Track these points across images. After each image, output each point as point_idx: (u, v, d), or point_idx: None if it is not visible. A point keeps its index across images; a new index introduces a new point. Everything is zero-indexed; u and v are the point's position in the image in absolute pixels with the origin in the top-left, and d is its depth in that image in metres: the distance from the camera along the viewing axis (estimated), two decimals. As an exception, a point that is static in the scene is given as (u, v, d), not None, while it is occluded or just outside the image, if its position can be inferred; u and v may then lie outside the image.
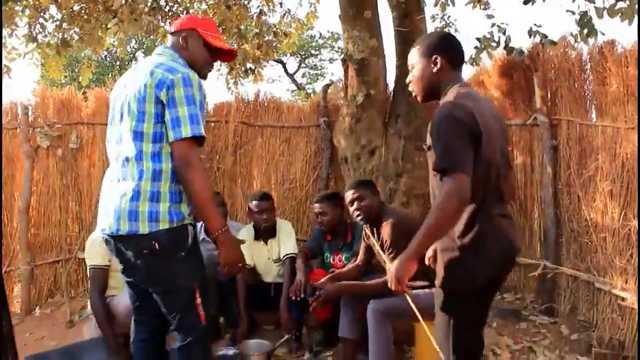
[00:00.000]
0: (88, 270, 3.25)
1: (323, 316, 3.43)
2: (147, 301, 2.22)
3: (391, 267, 1.99)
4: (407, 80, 2.18)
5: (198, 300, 2.12)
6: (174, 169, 2.05)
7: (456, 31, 4.53)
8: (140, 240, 2.05)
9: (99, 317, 3.09)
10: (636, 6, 3.21)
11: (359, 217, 3.08)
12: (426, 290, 2.79)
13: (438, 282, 2.03)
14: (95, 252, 3.22)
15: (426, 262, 2.30)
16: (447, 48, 2.07)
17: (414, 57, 2.11)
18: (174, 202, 2.07)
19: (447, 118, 1.86)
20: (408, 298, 2.11)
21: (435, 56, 2.04)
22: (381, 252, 2.41)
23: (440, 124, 1.87)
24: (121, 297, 3.13)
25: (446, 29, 4.53)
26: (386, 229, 2.89)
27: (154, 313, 2.24)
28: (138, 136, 2.07)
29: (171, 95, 2.01)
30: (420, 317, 2.09)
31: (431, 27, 4.64)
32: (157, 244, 2.04)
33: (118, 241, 2.13)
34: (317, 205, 3.60)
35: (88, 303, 3.37)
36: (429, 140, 1.97)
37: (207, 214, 2.04)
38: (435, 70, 2.04)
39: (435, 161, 1.87)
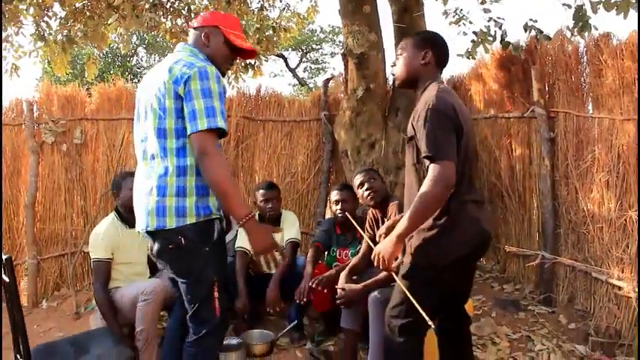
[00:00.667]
0: (91, 263, 3.31)
1: (323, 308, 3.50)
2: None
3: (378, 247, 2.13)
4: (391, 63, 2.33)
5: (216, 294, 2.16)
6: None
7: (470, 22, 4.54)
8: (168, 234, 2.09)
9: (103, 308, 3.15)
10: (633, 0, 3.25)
11: (371, 198, 3.11)
12: None
13: (409, 258, 2.18)
14: (98, 245, 3.29)
15: None
16: (438, 46, 2.24)
17: (407, 45, 2.26)
18: (200, 196, 2.10)
19: (433, 111, 2.03)
20: (396, 277, 2.23)
21: (426, 50, 2.21)
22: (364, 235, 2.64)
23: (426, 117, 2.02)
24: (126, 289, 3.19)
25: (460, 23, 4.54)
26: (392, 209, 2.97)
27: None
28: (161, 132, 2.10)
29: (188, 89, 2.02)
30: (408, 294, 2.17)
31: (444, 23, 4.65)
32: (182, 239, 2.08)
33: (150, 237, 2.20)
34: (338, 192, 3.55)
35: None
36: (410, 131, 2.13)
37: (229, 203, 2.03)
38: (422, 62, 2.21)
39: (424, 149, 2.01)
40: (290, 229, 3.83)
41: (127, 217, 3.27)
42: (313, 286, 3.20)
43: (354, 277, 3.22)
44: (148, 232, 2.17)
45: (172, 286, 2.46)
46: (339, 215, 3.52)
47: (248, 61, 5.75)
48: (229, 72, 5.75)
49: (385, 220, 3.03)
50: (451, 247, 2.10)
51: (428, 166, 2.01)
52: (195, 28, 2.31)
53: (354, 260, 3.29)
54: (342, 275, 3.18)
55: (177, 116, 2.07)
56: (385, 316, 2.32)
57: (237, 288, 3.59)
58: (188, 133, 2.03)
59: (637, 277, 3.33)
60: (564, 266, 3.98)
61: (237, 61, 5.50)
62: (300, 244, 3.77)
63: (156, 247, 2.17)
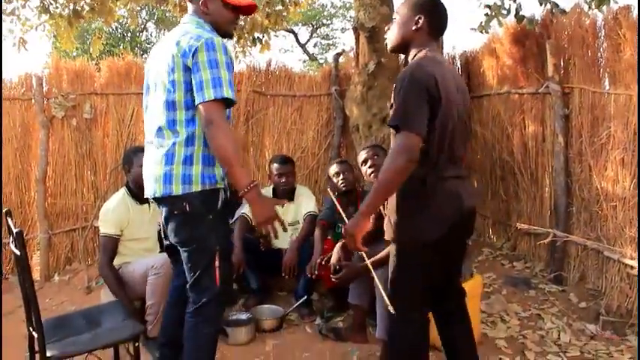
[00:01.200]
0: (99, 237, 3.30)
1: (332, 284, 3.49)
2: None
3: (346, 225, 2.08)
4: (386, 27, 2.25)
5: (217, 263, 2.17)
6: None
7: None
8: (174, 201, 2.14)
9: (109, 283, 3.18)
10: None
11: (373, 176, 3.06)
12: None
13: (389, 236, 2.14)
14: (108, 220, 3.29)
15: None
16: (432, 13, 2.14)
17: (402, 9, 2.18)
18: (206, 165, 2.14)
19: (409, 78, 1.94)
20: (364, 255, 2.29)
21: (419, 16, 2.11)
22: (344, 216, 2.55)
23: (401, 84, 1.95)
24: (136, 264, 3.21)
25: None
26: None
27: None
28: (170, 105, 2.13)
29: (195, 61, 2.05)
30: (371, 268, 2.25)
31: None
32: (187, 205, 2.12)
33: (157, 204, 2.26)
34: (338, 165, 3.59)
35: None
36: (392, 98, 2.04)
37: (232, 172, 2.06)
38: (414, 28, 2.12)
39: (391, 118, 1.96)
40: (307, 202, 3.86)
41: (138, 192, 3.26)
42: (323, 263, 3.20)
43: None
44: (156, 199, 2.23)
45: (171, 256, 2.49)
46: (343, 187, 3.53)
47: (256, 35, 5.69)
48: (237, 46, 5.69)
49: None
50: (429, 225, 2.02)
51: (394, 136, 1.97)
52: (191, 1, 2.30)
53: None
54: (336, 250, 3.18)
55: (186, 89, 2.10)
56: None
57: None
58: (196, 103, 2.06)
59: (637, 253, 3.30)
60: (575, 245, 3.94)
61: (242, 21, 5.43)
62: (317, 216, 3.75)
63: (163, 213, 2.22)
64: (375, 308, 2.94)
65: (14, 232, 2.06)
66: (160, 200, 2.21)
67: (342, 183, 3.53)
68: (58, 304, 4.06)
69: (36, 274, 4.65)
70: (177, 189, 2.11)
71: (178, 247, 2.25)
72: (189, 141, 2.13)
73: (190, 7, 2.32)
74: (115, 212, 3.30)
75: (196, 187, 2.12)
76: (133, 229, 3.33)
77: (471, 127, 2.33)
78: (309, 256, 3.45)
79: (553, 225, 4.08)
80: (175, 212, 2.15)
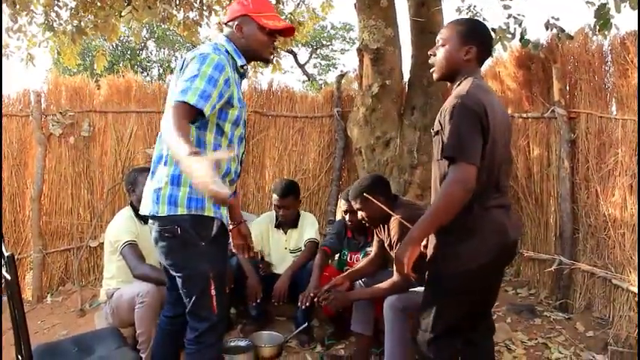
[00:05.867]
0: (122, 248, 3.15)
1: (331, 312, 3.39)
2: (175, 281, 2.25)
3: (397, 251, 2.02)
4: (430, 51, 2.16)
5: (213, 291, 2.12)
6: None
7: (484, 19, 4.44)
8: (164, 222, 2.09)
9: (153, 277, 2.99)
10: None
11: (366, 225, 3.01)
12: None
13: (431, 265, 2.09)
14: (121, 232, 3.20)
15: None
16: (483, 42, 2.10)
17: (450, 35, 2.09)
18: (194, 188, 2.05)
19: (461, 108, 1.90)
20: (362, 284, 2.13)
21: (470, 46, 2.05)
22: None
23: (452, 113, 1.91)
24: (125, 290, 3.10)
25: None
26: (393, 225, 2.83)
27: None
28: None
29: (185, 70, 2.04)
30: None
31: (455, 18, 4.57)
32: (178, 229, 2.07)
33: (149, 221, 2.21)
34: (345, 203, 3.38)
35: (100, 292, 3.36)
36: (436, 126, 2.01)
37: (172, 151, 1.86)
38: (465, 58, 2.06)
39: (445, 148, 1.91)
40: (310, 229, 3.74)
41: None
42: (318, 300, 3.07)
43: (362, 280, 3.16)
44: (146, 217, 2.20)
45: (168, 281, 2.42)
46: (350, 224, 3.45)
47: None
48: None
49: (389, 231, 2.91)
50: (471, 255, 1.97)
51: (448, 166, 1.91)
52: (226, 24, 2.28)
53: (360, 264, 3.22)
54: (343, 275, 3.12)
55: None
56: (416, 330, 2.21)
57: (244, 273, 3.50)
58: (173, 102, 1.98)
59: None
60: (582, 272, 3.86)
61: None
62: (319, 244, 3.66)
63: (153, 234, 2.17)
64: (378, 336, 2.85)
65: (5, 255, 1.97)
66: (151, 221, 2.18)
67: (349, 222, 3.44)
68: (50, 327, 3.95)
69: (28, 295, 4.55)
70: (163, 209, 2.07)
71: (171, 271, 2.20)
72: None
73: (225, 29, 2.29)
74: (125, 224, 3.25)
75: (182, 210, 2.06)
76: (139, 245, 3.23)
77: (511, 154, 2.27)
78: (308, 283, 3.35)
79: (558, 251, 4.01)
80: (166, 235, 2.10)
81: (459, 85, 2.06)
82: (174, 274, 2.19)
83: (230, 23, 2.25)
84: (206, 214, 2.10)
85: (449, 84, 2.17)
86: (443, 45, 2.11)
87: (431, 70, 2.17)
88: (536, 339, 3.51)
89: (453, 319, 2.06)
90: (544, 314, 3.85)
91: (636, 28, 3.45)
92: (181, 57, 2.27)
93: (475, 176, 1.86)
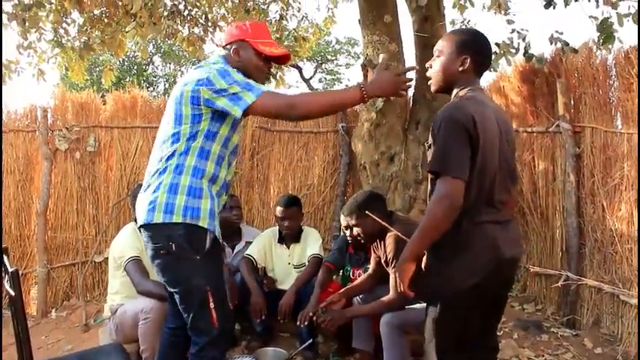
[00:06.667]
0: (126, 264, 3.15)
1: (332, 330, 3.37)
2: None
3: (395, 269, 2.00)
4: (427, 64, 2.14)
5: (212, 304, 2.13)
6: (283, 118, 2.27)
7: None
8: (155, 236, 2.11)
9: (154, 293, 2.96)
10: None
11: (362, 241, 2.98)
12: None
13: (427, 283, 2.02)
14: (126, 247, 3.21)
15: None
16: (479, 52, 2.04)
17: (446, 46, 2.06)
18: (191, 197, 2.12)
19: (447, 120, 1.86)
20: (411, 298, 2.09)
21: (465, 56, 2.01)
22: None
23: (440, 126, 1.87)
24: (128, 305, 3.10)
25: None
26: (389, 242, 2.81)
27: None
28: (175, 137, 2.14)
29: (216, 88, 2.07)
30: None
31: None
32: (173, 245, 2.08)
33: (143, 234, 2.21)
34: (343, 218, 3.28)
35: (105, 307, 3.35)
36: (430, 139, 1.96)
37: (341, 103, 2.19)
38: (460, 69, 2.02)
39: (430, 163, 1.88)
40: (313, 245, 3.72)
41: None
42: (318, 321, 3.05)
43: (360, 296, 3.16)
44: (144, 233, 2.19)
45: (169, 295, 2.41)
46: (350, 240, 3.41)
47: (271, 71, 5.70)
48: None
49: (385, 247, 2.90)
50: (460, 274, 1.90)
51: (434, 181, 1.88)
52: (224, 47, 2.32)
53: (357, 280, 3.21)
54: (338, 293, 3.10)
55: (192, 121, 2.12)
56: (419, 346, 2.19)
57: (248, 289, 3.50)
58: (238, 113, 2.06)
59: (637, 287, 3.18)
60: (589, 287, 3.82)
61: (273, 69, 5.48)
62: (322, 259, 3.64)
63: (149, 252, 2.18)
64: (381, 352, 2.85)
65: (9, 271, 1.97)
66: (143, 230, 2.18)
67: (349, 238, 3.42)
68: (54, 342, 3.93)
69: (33, 309, 4.55)
70: (159, 217, 2.09)
71: (168, 288, 2.21)
72: (178, 169, 2.13)
73: (221, 51, 2.33)
74: (129, 240, 3.25)
75: (177, 218, 2.08)
76: (143, 261, 3.22)
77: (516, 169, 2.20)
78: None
79: (565, 266, 3.98)
80: (161, 252, 2.12)
81: (454, 96, 2.04)
82: (171, 290, 2.20)
83: (227, 46, 2.30)
84: (200, 224, 2.12)
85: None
86: (439, 56, 2.07)
87: (429, 83, 2.15)
88: (544, 355, 3.47)
89: (454, 335, 2.01)
90: (551, 330, 3.81)
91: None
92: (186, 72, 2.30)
93: (462, 191, 1.82)
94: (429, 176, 1.99)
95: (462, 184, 1.81)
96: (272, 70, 5.62)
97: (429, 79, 2.14)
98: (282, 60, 2.43)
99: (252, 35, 2.28)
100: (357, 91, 2.10)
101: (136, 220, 3.30)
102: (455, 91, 2.05)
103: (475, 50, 2.02)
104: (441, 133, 1.85)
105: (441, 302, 1.98)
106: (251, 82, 2.11)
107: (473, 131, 1.84)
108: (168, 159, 2.15)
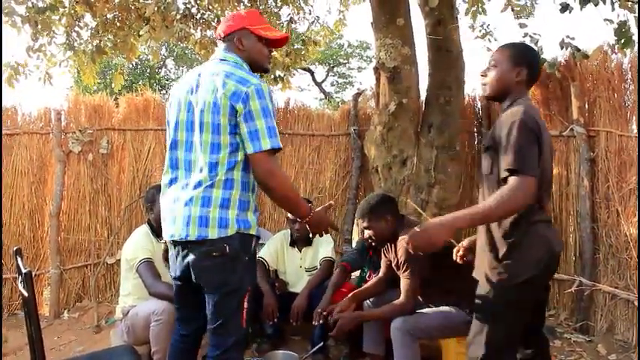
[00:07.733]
0: (138, 266, 3.15)
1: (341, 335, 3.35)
2: (192, 300, 2.26)
3: (425, 225, 2.05)
4: (481, 72, 2.26)
5: (246, 304, 2.14)
6: (256, 179, 2.12)
7: (495, 40, 4.45)
8: (209, 244, 2.09)
9: (166, 295, 2.96)
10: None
11: (373, 244, 3.02)
12: (445, 309, 2.87)
13: (482, 279, 2.13)
14: (138, 248, 3.20)
15: (454, 257, 2.44)
16: (533, 65, 2.20)
17: (502, 57, 2.21)
18: (242, 210, 2.13)
19: (520, 124, 1.98)
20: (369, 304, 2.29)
21: (521, 68, 2.16)
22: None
23: (513, 130, 1.98)
24: (140, 307, 3.10)
25: (485, 38, 4.45)
26: (400, 245, 2.81)
27: (197, 312, 2.25)
28: (214, 147, 2.09)
29: (248, 109, 2.03)
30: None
31: (470, 36, 4.62)
32: (227, 248, 2.08)
33: (184, 247, 2.17)
34: (359, 223, 3.26)
35: (116, 309, 3.36)
36: (488, 141, 2.12)
37: (295, 208, 2.30)
38: (516, 80, 2.16)
39: (508, 161, 1.96)
40: (325, 247, 3.73)
41: (160, 230, 3.17)
42: (330, 319, 3.04)
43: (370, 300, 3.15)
44: (184, 242, 2.14)
45: (176, 301, 2.40)
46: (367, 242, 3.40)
47: (277, 74, 5.70)
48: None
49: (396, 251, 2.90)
50: (521, 267, 2.03)
51: (506, 178, 1.96)
52: (224, 39, 2.28)
53: (367, 284, 3.21)
54: (348, 297, 3.10)
55: (230, 132, 2.07)
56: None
57: (260, 292, 3.48)
58: (250, 151, 2.04)
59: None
60: (603, 293, 3.78)
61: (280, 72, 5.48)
62: (334, 262, 3.64)
63: (191, 257, 2.13)
64: (392, 356, 2.83)
65: (23, 272, 1.98)
66: (190, 244, 2.13)
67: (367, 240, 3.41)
68: (66, 342, 3.96)
69: (45, 310, 4.58)
70: (214, 233, 2.07)
71: (205, 293, 2.16)
72: (228, 184, 2.09)
73: (223, 44, 2.29)
74: (141, 242, 3.25)
75: (231, 232, 2.09)
76: (155, 263, 3.23)
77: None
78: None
79: (578, 271, 3.94)
80: (214, 254, 2.09)
81: (509, 105, 2.14)
82: (210, 293, 2.14)
83: (228, 37, 2.26)
84: (251, 232, 2.15)
85: (497, 104, 2.28)
86: (494, 66, 2.20)
87: (482, 90, 2.28)
88: (557, 362, 3.44)
89: (506, 336, 2.09)
90: (564, 336, 3.78)
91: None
92: (199, 75, 2.25)
93: (535, 188, 1.93)
94: (490, 175, 2.11)
95: (535, 181, 1.93)
96: (279, 73, 5.65)
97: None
98: (280, 43, 2.42)
99: (250, 22, 2.27)
100: (306, 212, 2.26)
101: (149, 222, 3.33)
102: (509, 101, 2.17)
103: (529, 63, 2.17)
104: (514, 135, 1.96)
105: (500, 299, 2.07)
106: (274, 127, 2.08)
107: (540, 138, 2.00)
108: (211, 170, 2.09)
